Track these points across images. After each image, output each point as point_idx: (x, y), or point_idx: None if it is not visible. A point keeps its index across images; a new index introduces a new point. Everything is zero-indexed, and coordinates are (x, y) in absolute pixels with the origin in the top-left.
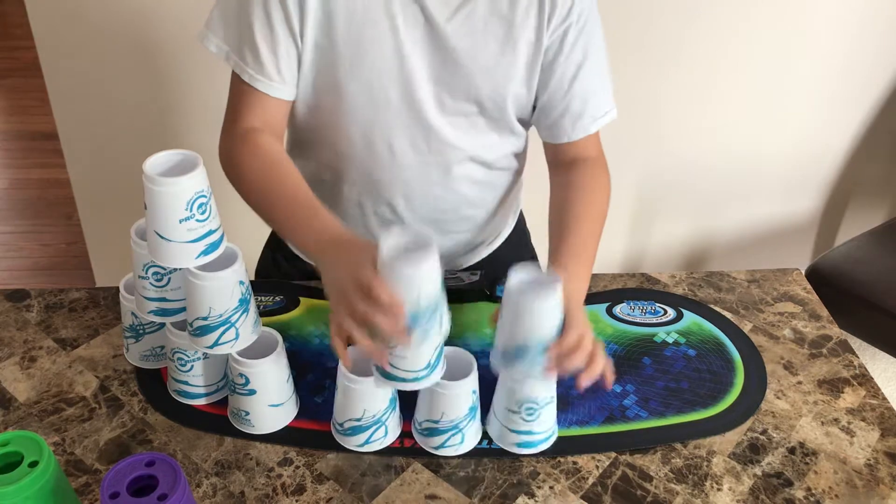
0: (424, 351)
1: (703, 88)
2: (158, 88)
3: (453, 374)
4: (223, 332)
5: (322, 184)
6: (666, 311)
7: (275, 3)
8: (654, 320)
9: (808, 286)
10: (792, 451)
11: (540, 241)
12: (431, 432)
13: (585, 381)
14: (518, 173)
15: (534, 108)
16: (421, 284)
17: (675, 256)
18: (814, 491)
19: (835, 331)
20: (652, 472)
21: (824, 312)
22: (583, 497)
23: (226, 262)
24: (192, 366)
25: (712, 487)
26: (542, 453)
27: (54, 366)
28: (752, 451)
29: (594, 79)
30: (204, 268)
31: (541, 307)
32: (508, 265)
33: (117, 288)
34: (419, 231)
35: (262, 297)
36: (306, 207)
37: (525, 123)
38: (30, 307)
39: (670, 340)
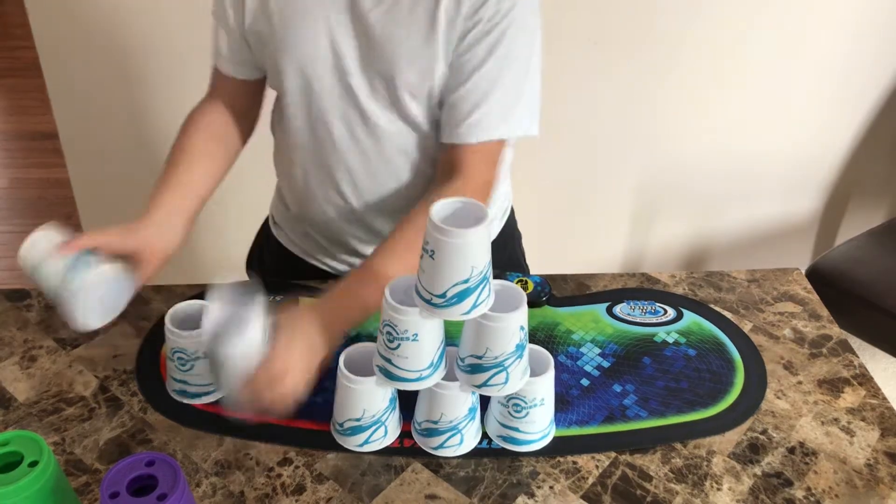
0: (426, 350)
1: (704, 88)
2: (158, 88)
3: (452, 375)
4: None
5: (283, 172)
6: (666, 311)
7: None
8: (654, 320)
9: (809, 286)
10: (792, 450)
11: (530, 242)
12: (430, 433)
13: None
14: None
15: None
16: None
17: (675, 256)
18: (813, 491)
19: (835, 331)
20: (652, 472)
21: (824, 312)
22: (583, 497)
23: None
24: (193, 365)
25: (712, 487)
26: (540, 453)
27: (54, 365)
28: (751, 451)
29: (493, 87)
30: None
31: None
32: (495, 268)
33: None
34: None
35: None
36: (162, 191)
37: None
38: (30, 307)
39: (670, 340)
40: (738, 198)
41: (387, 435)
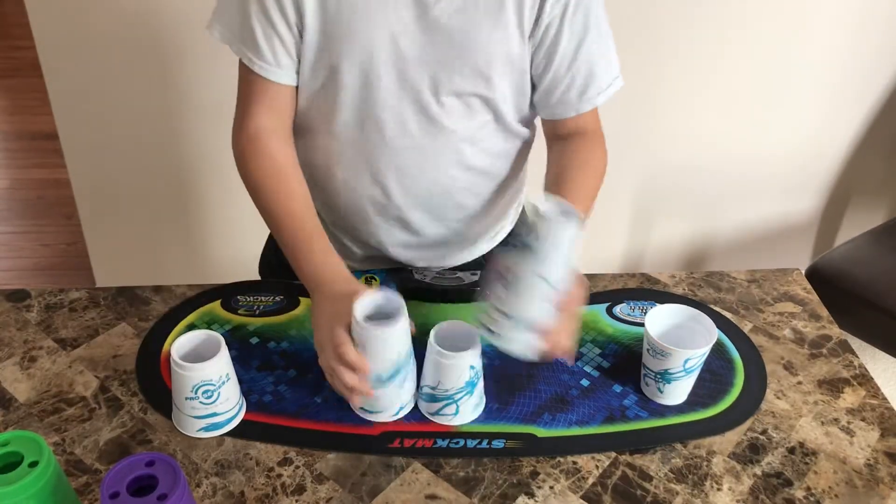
0: (394, 399)
1: (703, 88)
2: (158, 88)
3: (457, 345)
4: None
5: (315, 168)
6: None
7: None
8: None
9: (808, 286)
10: (792, 451)
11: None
12: (430, 398)
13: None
14: (517, 165)
15: (533, 88)
16: (390, 346)
17: (675, 256)
18: (813, 491)
19: (835, 331)
20: (652, 472)
21: (824, 312)
22: (583, 497)
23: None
24: (219, 393)
25: (712, 487)
26: (541, 453)
27: (54, 366)
28: (751, 451)
29: (597, 51)
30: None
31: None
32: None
33: (117, 288)
34: (391, 295)
35: (262, 297)
36: (307, 238)
37: (524, 116)
38: (30, 307)
39: None
40: (739, 198)
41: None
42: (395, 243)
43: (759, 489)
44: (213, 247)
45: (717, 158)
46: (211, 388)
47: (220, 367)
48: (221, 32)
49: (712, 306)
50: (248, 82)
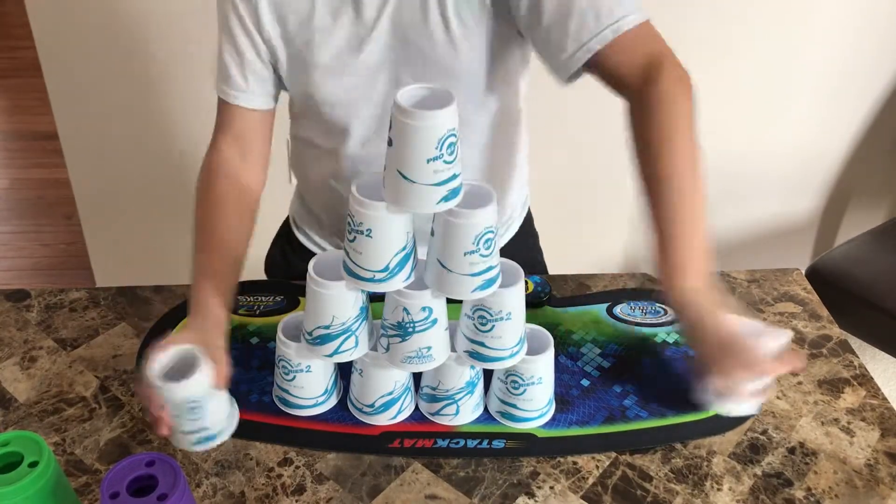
0: (383, 249)
1: (703, 88)
2: (158, 89)
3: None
4: (343, 341)
5: (318, 177)
6: (666, 311)
7: (236, 26)
8: (655, 320)
9: (808, 286)
10: (792, 451)
11: (548, 244)
12: (431, 399)
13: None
14: (507, 151)
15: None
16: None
17: None
18: (814, 491)
19: (835, 331)
20: (652, 472)
21: (824, 312)
22: (583, 497)
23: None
24: (295, 376)
25: (712, 487)
26: (541, 453)
27: (54, 366)
28: (752, 451)
29: None
30: (326, 277)
31: None
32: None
33: (117, 288)
34: (187, 350)
35: (262, 297)
36: (212, 271)
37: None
38: (30, 307)
39: (671, 341)
40: (738, 198)
41: (357, 346)
42: None
43: (759, 489)
44: None
45: (718, 158)
46: (196, 404)
47: (200, 387)
48: (216, 85)
49: None
50: (220, 112)
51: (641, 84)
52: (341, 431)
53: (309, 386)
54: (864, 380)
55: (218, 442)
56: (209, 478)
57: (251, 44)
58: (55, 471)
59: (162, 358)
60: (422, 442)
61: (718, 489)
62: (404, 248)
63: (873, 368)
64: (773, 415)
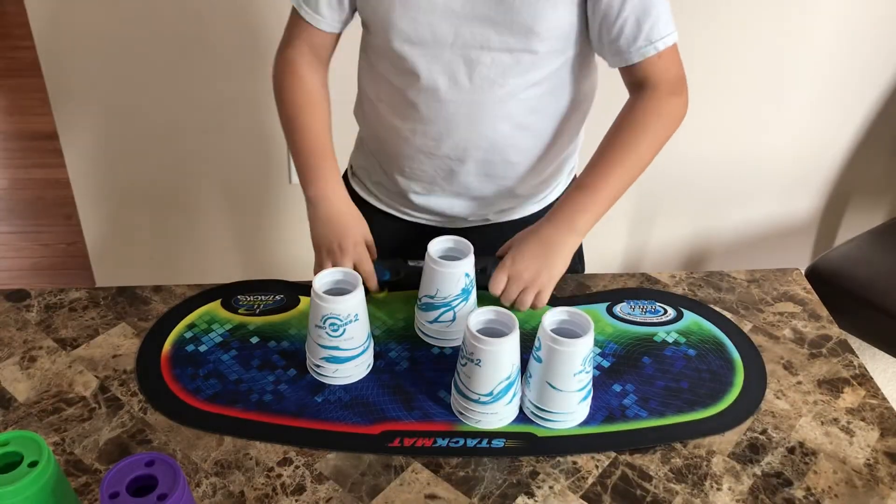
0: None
1: (703, 88)
2: (159, 88)
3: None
4: (443, 312)
5: (377, 122)
6: (666, 311)
7: None
8: (654, 320)
9: (808, 286)
10: (791, 450)
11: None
12: (428, 307)
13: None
14: (568, 128)
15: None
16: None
17: (675, 256)
18: (813, 491)
19: (835, 331)
20: (651, 472)
21: (824, 312)
22: (582, 497)
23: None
24: (345, 330)
25: (712, 487)
26: (541, 452)
27: (54, 366)
28: (751, 451)
29: (647, 2)
30: (443, 258)
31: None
32: None
33: (117, 288)
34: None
35: (262, 297)
36: (319, 155)
37: (576, 65)
38: (30, 307)
39: (670, 340)
40: (738, 198)
41: (454, 321)
42: (438, 194)
43: (758, 489)
44: (213, 247)
45: (718, 158)
46: (337, 322)
47: (349, 306)
48: None
49: (712, 306)
50: (294, 23)
51: (648, 90)
52: (341, 431)
53: (357, 334)
54: (864, 380)
55: (342, 372)
56: (209, 477)
57: None
58: (55, 471)
59: (325, 275)
60: (421, 441)
61: (718, 489)
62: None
63: (873, 368)
64: (773, 415)
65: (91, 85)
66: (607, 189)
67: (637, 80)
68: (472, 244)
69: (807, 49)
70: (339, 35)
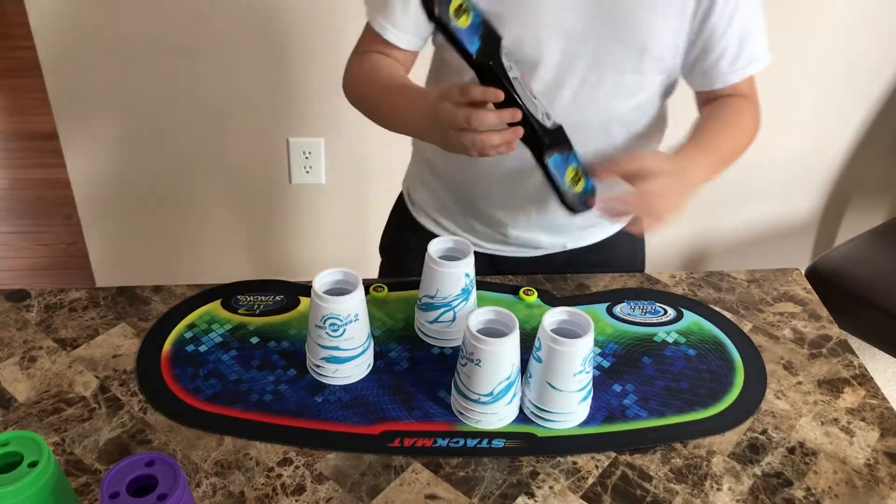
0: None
1: None
2: (159, 88)
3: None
4: (443, 312)
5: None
6: (666, 311)
7: None
8: (654, 320)
9: (808, 286)
10: (792, 450)
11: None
12: (428, 307)
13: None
14: (650, 143)
15: (683, 57)
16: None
17: (675, 256)
18: (813, 491)
19: (835, 331)
20: (652, 472)
21: (824, 312)
22: (582, 497)
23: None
24: (345, 330)
25: (712, 487)
26: (541, 452)
27: (54, 366)
28: (751, 451)
29: (751, 20)
30: (443, 258)
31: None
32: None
33: (117, 288)
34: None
35: (262, 297)
36: (410, 91)
37: (668, 85)
38: (30, 307)
39: (670, 340)
40: (738, 198)
41: (455, 321)
42: (521, 224)
43: (758, 489)
44: (214, 247)
45: None
46: (337, 322)
47: (349, 306)
48: (368, 14)
49: (712, 306)
50: (371, 36)
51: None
52: (341, 431)
53: (357, 334)
54: (864, 380)
55: (342, 372)
56: (209, 478)
57: None
58: (55, 471)
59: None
60: (421, 441)
61: (718, 489)
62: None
63: (873, 368)
64: (773, 415)
65: (91, 85)
66: (718, 153)
67: (723, 94)
68: (538, 272)
69: (807, 49)
70: (415, 55)
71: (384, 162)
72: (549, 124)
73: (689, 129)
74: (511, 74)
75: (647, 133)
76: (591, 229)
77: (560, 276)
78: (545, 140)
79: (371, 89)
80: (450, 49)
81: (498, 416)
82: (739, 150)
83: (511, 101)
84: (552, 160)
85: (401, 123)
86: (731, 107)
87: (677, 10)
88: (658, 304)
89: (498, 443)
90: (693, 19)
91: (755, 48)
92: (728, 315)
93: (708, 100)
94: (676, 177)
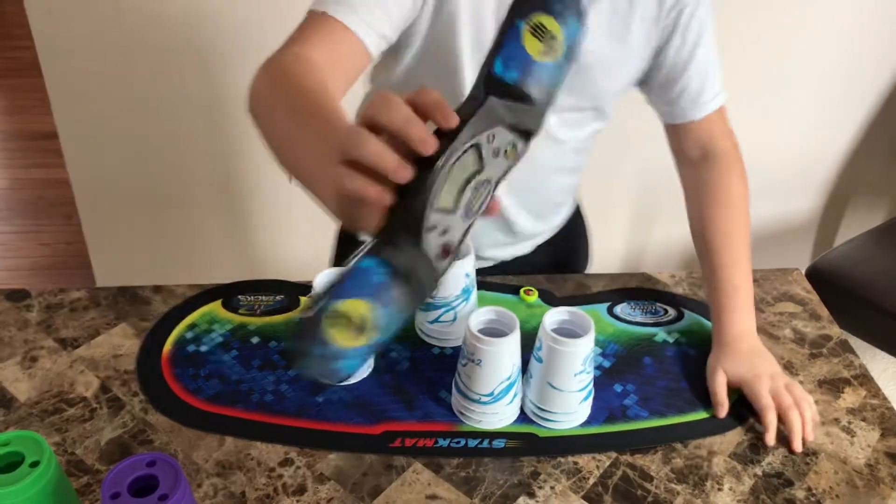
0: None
1: None
2: (158, 88)
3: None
4: (444, 312)
5: None
6: (667, 311)
7: None
8: (655, 320)
9: (808, 286)
10: (792, 451)
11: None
12: (428, 307)
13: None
14: (595, 149)
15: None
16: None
17: (675, 256)
18: (814, 491)
19: (835, 331)
20: (652, 472)
21: (824, 312)
22: (584, 497)
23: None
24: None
25: (713, 487)
26: (542, 453)
27: (55, 366)
28: (752, 451)
29: (710, 57)
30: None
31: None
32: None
33: (117, 288)
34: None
35: (262, 297)
36: (325, 109)
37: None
38: (30, 307)
39: (671, 340)
40: None
41: (455, 320)
42: (491, 244)
43: (759, 489)
44: (214, 247)
45: None
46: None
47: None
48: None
49: None
50: (312, 21)
51: (700, 159)
52: (342, 431)
53: None
54: (865, 380)
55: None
56: (210, 478)
57: None
58: (56, 471)
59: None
60: (423, 441)
61: (719, 489)
62: (509, 377)
63: (873, 368)
64: None
65: (91, 85)
66: (748, 280)
67: (698, 144)
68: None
69: (807, 49)
70: (367, 58)
71: None
72: (431, 232)
73: (691, 214)
74: (484, 150)
75: (594, 146)
76: (539, 237)
77: (560, 276)
78: (396, 229)
79: (282, 98)
80: (421, 74)
81: (499, 417)
82: (747, 224)
83: (444, 148)
84: (366, 260)
85: (289, 153)
86: (715, 199)
87: (636, 58)
88: (659, 304)
89: (499, 443)
90: (646, 60)
91: (716, 84)
92: None
93: (681, 145)
94: (763, 364)
